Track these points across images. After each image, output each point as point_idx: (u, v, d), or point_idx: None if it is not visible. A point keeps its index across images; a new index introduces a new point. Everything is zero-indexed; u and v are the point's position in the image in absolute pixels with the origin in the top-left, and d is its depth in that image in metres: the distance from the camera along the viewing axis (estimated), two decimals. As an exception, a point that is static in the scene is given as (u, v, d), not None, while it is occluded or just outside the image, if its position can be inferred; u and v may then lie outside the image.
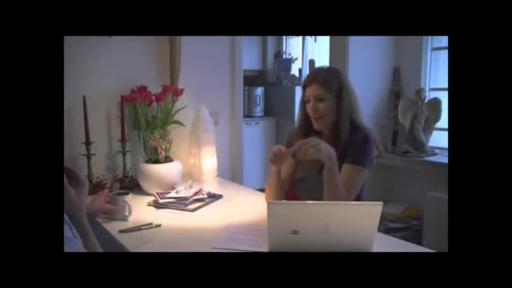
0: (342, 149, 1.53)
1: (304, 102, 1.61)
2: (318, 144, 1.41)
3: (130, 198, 1.55)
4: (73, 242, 0.91)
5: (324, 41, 4.24)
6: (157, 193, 1.77)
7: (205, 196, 1.78)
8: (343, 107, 1.54)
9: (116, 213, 1.53)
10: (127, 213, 1.53)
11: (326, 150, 1.42)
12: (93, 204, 1.48)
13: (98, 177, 1.97)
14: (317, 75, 1.58)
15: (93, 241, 1.09)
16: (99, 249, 1.10)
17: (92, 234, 1.11)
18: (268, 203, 1.14)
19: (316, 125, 1.57)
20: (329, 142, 1.57)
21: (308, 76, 1.62)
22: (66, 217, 0.98)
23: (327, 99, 1.53)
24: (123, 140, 2.04)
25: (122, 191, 1.71)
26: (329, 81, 1.54)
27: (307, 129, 1.62)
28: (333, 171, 1.43)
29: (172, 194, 1.75)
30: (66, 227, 0.93)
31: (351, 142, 1.53)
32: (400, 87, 3.05)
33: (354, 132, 1.54)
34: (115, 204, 1.53)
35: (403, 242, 1.38)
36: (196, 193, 1.76)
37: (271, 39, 5.07)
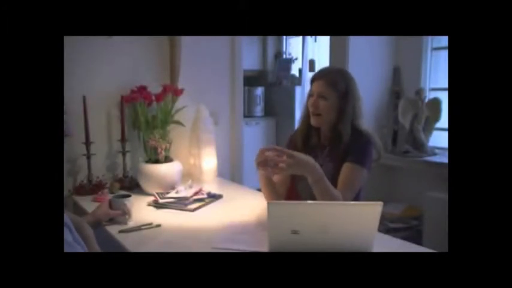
0: (342, 151, 1.53)
1: (308, 97, 1.61)
2: (292, 157, 1.34)
3: (131, 201, 1.52)
4: (73, 247, 0.91)
5: (324, 41, 4.23)
6: (157, 193, 1.77)
7: (205, 196, 1.78)
8: (346, 110, 1.54)
9: (118, 217, 1.49)
10: (128, 218, 1.49)
11: (310, 165, 1.37)
12: (98, 210, 1.46)
13: (98, 177, 1.97)
14: (326, 73, 1.58)
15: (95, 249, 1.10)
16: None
17: (94, 242, 1.11)
18: (268, 203, 1.14)
19: (313, 121, 1.57)
20: (329, 142, 1.58)
21: (318, 72, 1.62)
22: (67, 220, 0.98)
23: (329, 98, 1.53)
24: (123, 140, 2.05)
25: (123, 193, 1.66)
26: (336, 81, 1.54)
27: (308, 126, 1.62)
28: (319, 183, 1.38)
29: (172, 194, 1.75)
30: (66, 230, 0.93)
31: (353, 143, 1.53)
32: (400, 87, 3.05)
33: (356, 135, 1.55)
34: (116, 208, 1.49)
35: (403, 242, 1.38)
36: (196, 193, 1.76)
37: (271, 39, 5.06)
